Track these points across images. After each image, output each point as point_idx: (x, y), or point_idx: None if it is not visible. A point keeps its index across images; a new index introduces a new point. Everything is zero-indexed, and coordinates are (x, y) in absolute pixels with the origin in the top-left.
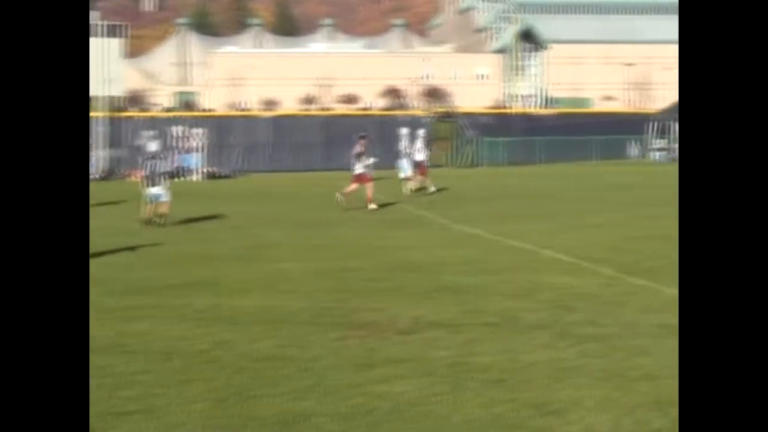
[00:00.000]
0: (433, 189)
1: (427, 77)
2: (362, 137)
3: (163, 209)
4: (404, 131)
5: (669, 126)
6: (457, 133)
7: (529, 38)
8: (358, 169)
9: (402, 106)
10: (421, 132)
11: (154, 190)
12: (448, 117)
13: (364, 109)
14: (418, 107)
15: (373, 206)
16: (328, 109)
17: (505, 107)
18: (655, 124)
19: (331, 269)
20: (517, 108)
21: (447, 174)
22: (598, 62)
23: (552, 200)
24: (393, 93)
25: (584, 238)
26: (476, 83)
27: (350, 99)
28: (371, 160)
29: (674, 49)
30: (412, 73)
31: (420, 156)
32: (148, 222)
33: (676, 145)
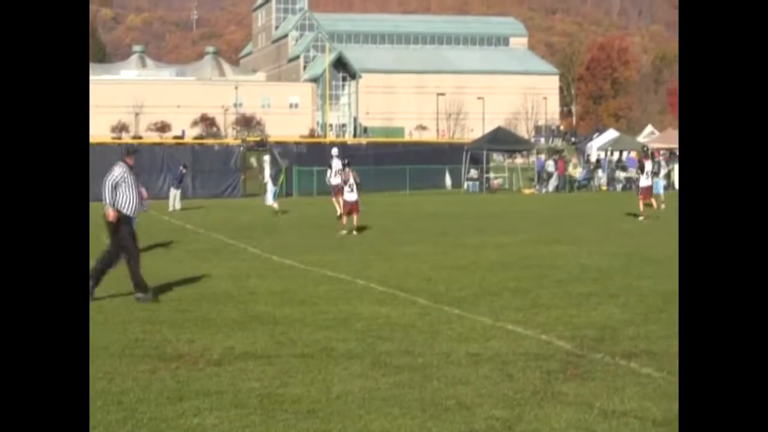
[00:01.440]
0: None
1: (240, 106)
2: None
3: None
4: (266, 158)
5: (482, 156)
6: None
7: (341, 67)
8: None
9: (214, 135)
10: (334, 151)
11: None
12: (260, 146)
13: (177, 137)
14: (230, 136)
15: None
16: (139, 138)
17: (318, 136)
18: (469, 153)
19: None
20: (329, 137)
21: (259, 203)
22: (410, 92)
23: (364, 230)
24: (205, 121)
25: (398, 268)
26: (289, 112)
27: (162, 127)
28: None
29: (485, 79)
30: (224, 101)
31: (336, 180)
32: None
33: (488, 175)
